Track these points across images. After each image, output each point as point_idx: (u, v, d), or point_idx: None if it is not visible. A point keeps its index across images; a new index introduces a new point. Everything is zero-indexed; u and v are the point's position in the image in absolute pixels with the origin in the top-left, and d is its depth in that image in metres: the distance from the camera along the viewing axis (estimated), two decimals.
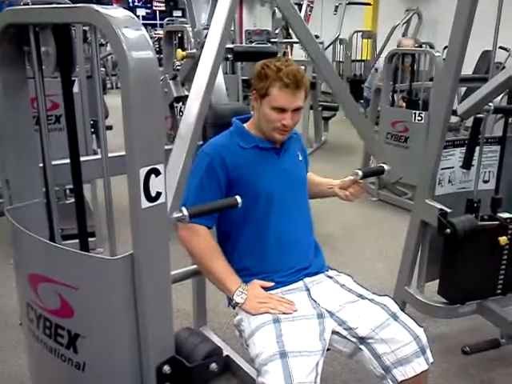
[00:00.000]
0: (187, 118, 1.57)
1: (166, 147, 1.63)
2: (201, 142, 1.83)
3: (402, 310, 1.64)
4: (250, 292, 1.62)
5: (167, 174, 1.15)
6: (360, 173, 1.77)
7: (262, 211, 1.68)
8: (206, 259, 1.66)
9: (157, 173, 1.11)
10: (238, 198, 1.43)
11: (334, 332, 1.57)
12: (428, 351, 1.55)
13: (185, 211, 1.31)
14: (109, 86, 10.77)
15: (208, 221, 1.65)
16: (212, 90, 1.70)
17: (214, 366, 1.28)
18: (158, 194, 1.13)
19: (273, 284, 1.67)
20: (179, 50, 2.24)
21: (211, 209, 1.52)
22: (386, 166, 1.83)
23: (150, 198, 1.11)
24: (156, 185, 1.12)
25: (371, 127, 1.65)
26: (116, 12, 1.06)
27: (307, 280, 1.71)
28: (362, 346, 1.56)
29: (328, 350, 1.57)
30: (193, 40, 2.34)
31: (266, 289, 1.66)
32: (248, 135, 1.72)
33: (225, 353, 2.14)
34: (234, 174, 1.65)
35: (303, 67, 6.80)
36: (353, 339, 1.57)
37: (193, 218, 1.33)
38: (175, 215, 1.28)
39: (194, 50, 2.20)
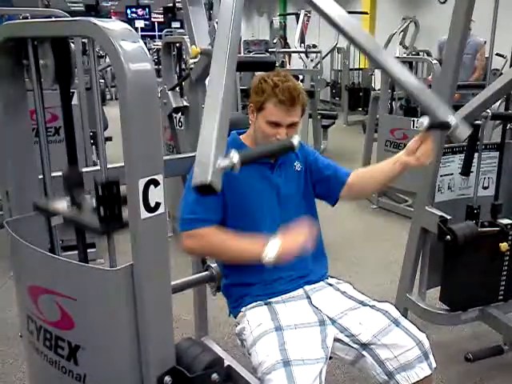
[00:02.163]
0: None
1: (165, 158, 1.64)
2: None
3: (404, 316, 1.64)
4: (281, 236, 1.51)
5: (204, 127, 1.05)
6: (425, 122, 1.49)
7: (256, 225, 1.66)
8: (221, 249, 1.61)
9: (156, 183, 1.12)
10: (295, 140, 1.27)
11: (335, 339, 1.57)
12: (431, 356, 1.55)
13: (235, 157, 1.08)
14: (108, 97, 10.82)
15: (211, 220, 1.61)
16: (233, 89, 1.53)
17: (215, 376, 1.27)
18: (158, 205, 1.13)
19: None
20: (193, 47, 2.18)
21: (265, 152, 1.36)
22: (453, 120, 1.50)
23: (149, 209, 1.11)
24: (155, 195, 1.12)
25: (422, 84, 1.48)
26: (113, 25, 1.07)
27: (307, 288, 1.71)
28: (364, 352, 1.55)
29: (330, 358, 1.57)
30: (190, 51, 2.33)
31: (268, 296, 1.65)
32: (244, 148, 1.72)
33: (226, 363, 2.13)
34: (229, 186, 1.63)
35: (301, 77, 6.84)
36: (355, 346, 1.56)
37: (244, 164, 1.12)
38: (224, 164, 1.05)
39: (209, 47, 2.16)
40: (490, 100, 2.03)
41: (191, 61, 2.24)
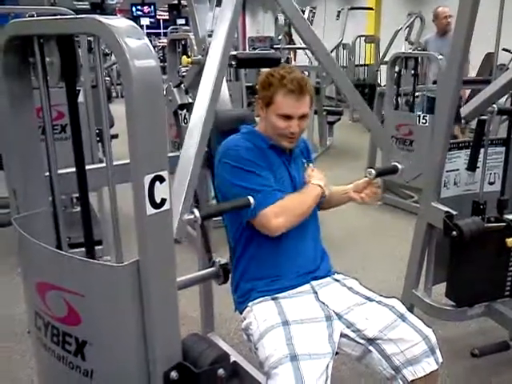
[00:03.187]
0: (194, 124, 1.57)
1: (171, 154, 1.64)
2: (206, 149, 1.83)
3: (410, 311, 1.64)
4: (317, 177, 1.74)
5: (177, 179, 1.16)
6: (373, 172, 1.74)
7: None
8: (296, 211, 1.66)
9: (161, 180, 1.12)
10: (251, 199, 1.41)
11: (342, 335, 1.58)
12: (437, 351, 1.55)
13: (196, 213, 1.27)
14: (114, 94, 10.85)
15: (273, 197, 1.62)
16: (218, 95, 1.70)
17: (221, 371, 1.28)
18: (163, 201, 1.13)
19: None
20: (184, 57, 2.24)
21: (222, 209, 1.50)
22: (399, 165, 1.78)
23: (154, 205, 1.12)
24: (161, 191, 1.12)
25: (382, 127, 1.63)
26: (118, 22, 1.07)
27: (314, 283, 1.71)
28: (370, 348, 1.56)
29: (337, 353, 1.57)
30: (196, 48, 2.35)
31: (274, 291, 1.67)
32: (261, 136, 1.72)
33: (233, 358, 2.13)
34: (274, 171, 1.68)
35: (307, 73, 6.83)
36: (361, 341, 1.57)
37: (205, 219, 1.28)
38: (186, 217, 1.25)
39: (200, 57, 2.20)
40: (495, 95, 2.02)
41: (183, 69, 2.32)
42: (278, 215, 1.60)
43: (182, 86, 2.43)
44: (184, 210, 1.21)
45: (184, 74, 2.29)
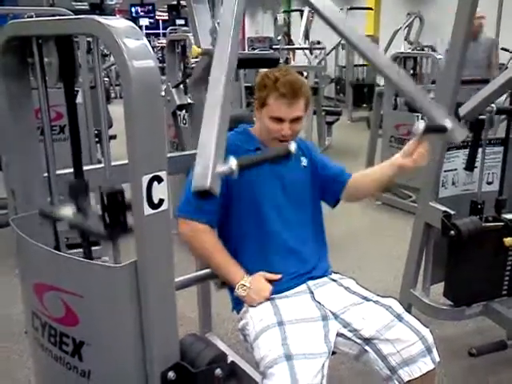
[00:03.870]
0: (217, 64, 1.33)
1: (169, 155, 1.65)
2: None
3: (408, 311, 1.65)
4: (253, 284, 1.63)
5: (203, 130, 1.07)
6: (421, 126, 1.52)
7: (260, 217, 1.69)
8: (208, 254, 1.68)
9: (159, 180, 1.12)
10: (291, 146, 1.28)
11: (338, 334, 1.58)
12: (434, 351, 1.55)
13: (233, 163, 1.10)
14: (113, 95, 10.84)
15: (209, 219, 1.66)
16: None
17: (218, 371, 1.28)
18: (161, 201, 1.14)
19: (279, 276, 1.67)
20: (194, 47, 2.17)
21: (261, 159, 1.37)
22: (448, 123, 1.49)
23: (152, 205, 1.12)
24: (159, 192, 1.13)
25: (419, 88, 1.49)
26: (117, 22, 1.07)
27: (310, 283, 1.72)
28: (367, 348, 1.56)
29: (334, 353, 1.58)
30: (193, 47, 2.32)
31: (272, 284, 1.66)
32: (253, 138, 1.73)
33: (230, 359, 2.14)
34: (241, 176, 1.66)
35: (305, 73, 6.83)
36: (358, 341, 1.57)
37: (242, 170, 1.14)
38: (221, 169, 1.07)
39: (210, 47, 2.16)
40: (494, 94, 2.02)
41: (192, 60, 2.23)
42: (188, 229, 1.66)
43: (187, 80, 2.36)
44: (217, 160, 1.03)
45: (193, 65, 2.23)
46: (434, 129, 1.54)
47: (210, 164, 1.03)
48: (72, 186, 1.33)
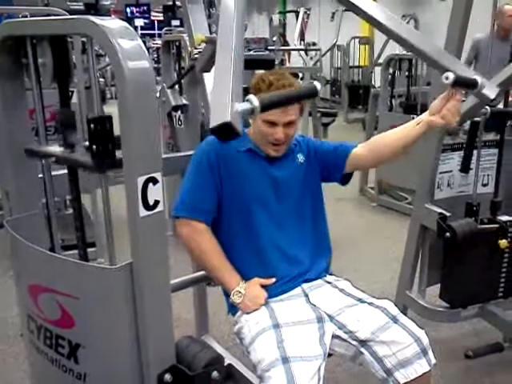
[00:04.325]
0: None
1: (165, 156, 1.64)
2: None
3: (404, 313, 1.64)
4: (248, 290, 1.63)
5: (217, 71, 1.01)
6: (451, 76, 1.38)
7: (252, 220, 1.67)
8: (204, 257, 1.67)
9: (154, 181, 1.12)
10: (318, 85, 1.22)
11: (334, 336, 1.57)
12: (430, 352, 1.55)
13: (255, 102, 1.01)
14: (108, 96, 10.82)
15: (207, 216, 1.65)
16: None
17: (215, 374, 1.28)
18: (156, 203, 1.13)
19: (273, 280, 1.67)
20: (198, 34, 2.12)
21: (285, 98, 1.26)
22: (479, 79, 1.42)
23: (147, 207, 1.12)
24: (154, 193, 1.12)
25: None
26: (111, 23, 1.07)
27: (305, 285, 1.71)
28: (362, 350, 1.56)
29: (330, 355, 1.57)
30: (189, 48, 2.31)
31: (266, 288, 1.66)
32: (246, 139, 1.72)
33: (227, 361, 2.13)
34: (226, 173, 1.66)
35: (301, 74, 6.83)
36: (353, 342, 1.57)
37: (264, 110, 1.06)
38: (243, 107, 0.98)
39: (214, 35, 2.13)
40: None
41: (195, 51, 2.17)
42: (187, 230, 1.64)
43: (196, 68, 2.29)
44: (236, 97, 0.94)
45: (196, 56, 2.17)
46: (465, 82, 1.43)
47: (229, 100, 0.93)
48: (59, 117, 1.29)
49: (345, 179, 1.83)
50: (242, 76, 1.04)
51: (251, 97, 1.00)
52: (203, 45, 2.06)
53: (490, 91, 1.43)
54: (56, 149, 1.29)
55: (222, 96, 0.95)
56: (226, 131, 0.95)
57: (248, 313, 1.61)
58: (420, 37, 1.45)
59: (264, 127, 1.63)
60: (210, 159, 1.65)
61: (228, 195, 1.67)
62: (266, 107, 1.02)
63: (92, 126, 1.15)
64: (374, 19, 1.40)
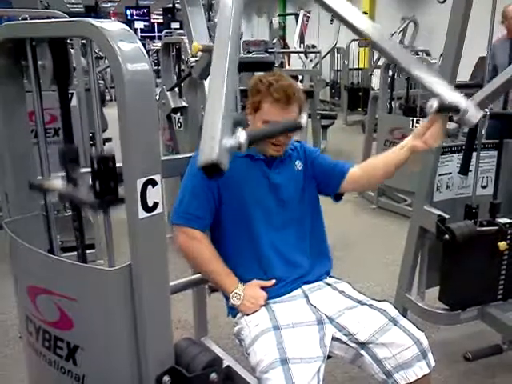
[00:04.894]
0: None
1: (164, 158, 1.64)
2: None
3: (403, 315, 1.64)
4: (247, 292, 1.63)
5: (209, 102, 1.03)
6: (435, 104, 1.46)
7: (250, 220, 1.68)
8: (202, 262, 1.67)
9: (154, 183, 1.12)
10: (302, 120, 1.27)
11: (334, 338, 1.57)
12: (429, 355, 1.55)
13: (241, 136, 1.05)
14: (108, 98, 10.79)
15: (203, 223, 1.66)
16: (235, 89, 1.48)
17: (214, 376, 1.28)
18: (155, 205, 1.13)
19: (273, 282, 1.67)
20: (195, 43, 2.16)
21: (272, 132, 1.33)
22: (463, 103, 1.45)
23: (147, 209, 1.12)
24: (153, 195, 1.12)
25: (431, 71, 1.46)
26: (111, 25, 1.07)
27: (305, 287, 1.71)
28: (362, 352, 1.56)
29: (329, 357, 1.57)
30: (189, 51, 2.32)
31: (266, 290, 1.66)
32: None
33: (226, 363, 2.13)
34: (225, 180, 1.65)
35: (300, 77, 6.85)
36: (353, 345, 1.57)
37: (251, 144, 1.10)
38: (230, 142, 1.01)
39: (211, 43, 2.15)
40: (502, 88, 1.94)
41: (192, 59, 2.21)
42: (185, 238, 1.65)
43: (183, 83, 2.34)
44: (224, 133, 0.97)
45: (193, 64, 2.21)
46: (448, 108, 1.49)
47: (217, 136, 0.96)
48: (62, 153, 1.29)
49: (339, 197, 1.86)
50: (233, 101, 1.07)
51: (239, 132, 1.02)
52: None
53: (474, 115, 1.45)
54: (59, 183, 1.30)
55: (212, 131, 0.98)
56: (213, 169, 0.98)
57: (248, 314, 1.61)
58: (398, 49, 1.47)
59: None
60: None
61: (227, 200, 1.67)
62: (252, 142, 1.06)
63: (95, 165, 1.17)
64: (357, 29, 1.41)
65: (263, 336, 1.52)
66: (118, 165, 1.16)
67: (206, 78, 2.17)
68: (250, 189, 1.68)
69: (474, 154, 2.26)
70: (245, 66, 2.50)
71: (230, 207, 1.67)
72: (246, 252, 1.69)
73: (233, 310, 1.71)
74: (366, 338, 1.54)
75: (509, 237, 2.16)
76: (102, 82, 9.05)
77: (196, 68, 2.22)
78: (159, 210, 1.15)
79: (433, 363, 1.55)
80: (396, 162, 1.73)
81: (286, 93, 1.59)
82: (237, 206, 1.67)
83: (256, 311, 1.61)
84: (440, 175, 2.32)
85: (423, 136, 1.60)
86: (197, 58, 2.17)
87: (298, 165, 1.78)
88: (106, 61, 9.43)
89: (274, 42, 8.71)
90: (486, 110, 2.10)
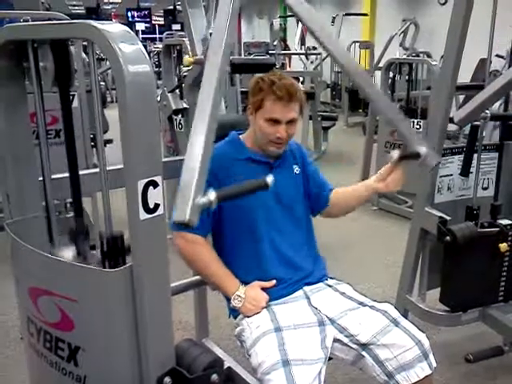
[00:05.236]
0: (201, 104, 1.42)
1: (165, 159, 1.64)
2: None
3: (404, 316, 1.64)
4: (248, 294, 1.63)
5: (185, 163, 1.11)
6: (396, 154, 1.66)
7: (252, 223, 1.68)
8: (202, 265, 1.67)
9: (155, 185, 1.12)
10: (269, 179, 1.32)
11: (335, 340, 1.58)
12: (431, 356, 1.55)
13: (212, 195, 1.15)
14: (109, 99, 10.81)
15: (202, 230, 1.65)
16: (221, 98, 1.60)
17: (215, 377, 1.28)
18: (157, 206, 1.14)
19: (274, 282, 1.67)
20: (186, 57, 2.22)
21: (240, 191, 1.41)
22: (422, 150, 1.58)
23: (148, 210, 1.12)
24: (154, 196, 1.12)
25: (399, 112, 1.58)
26: (112, 27, 1.07)
27: (307, 288, 1.71)
28: (363, 353, 1.56)
29: (330, 359, 1.57)
30: (193, 51, 2.34)
31: (268, 291, 1.66)
32: (243, 147, 1.73)
33: (227, 364, 2.13)
34: (226, 184, 1.65)
35: (301, 78, 6.85)
36: (354, 346, 1.57)
37: (221, 201, 1.20)
38: (202, 200, 1.11)
39: (201, 56, 2.19)
40: (488, 101, 2.03)
41: (184, 69, 2.29)
42: (184, 243, 1.65)
43: (183, 85, 2.41)
44: (197, 193, 1.09)
45: (185, 74, 2.27)
46: (409, 156, 1.66)
47: (191, 197, 1.08)
48: (72, 230, 1.36)
49: (315, 215, 1.90)
50: (209, 158, 1.16)
51: (209, 192, 1.14)
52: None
53: (432, 159, 1.57)
54: (69, 255, 1.34)
55: (187, 191, 1.08)
56: (185, 225, 1.09)
57: (249, 316, 1.61)
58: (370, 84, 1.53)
59: (267, 126, 1.64)
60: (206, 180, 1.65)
61: (229, 204, 1.66)
62: (221, 200, 1.20)
63: (105, 244, 1.24)
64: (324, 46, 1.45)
65: (265, 337, 1.52)
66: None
67: (196, 89, 2.22)
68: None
69: (475, 155, 2.27)
70: (245, 68, 2.51)
71: (231, 210, 1.67)
72: (247, 254, 1.69)
73: (234, 312, 1.71)
74: (367, 339, 1.54)
75: (510, 238, 2.16)
76: (103, 83, 9.07)
77: (188, 78, 2.28)
78: (160, 211, 1.15)
79: (434, 364, 1.55)
80: (358, 201, 1.87)
81: (288, 91, 1.60)
82: (239, 209, 1.67)
83: (257, 313, 1.61)
84: (441, 177, 2.32)
85: (385, 180, 1.73)
86: (189, 68, 2.23)
87: (296, 169, 1.81)
88: (108, 62, 9.45)
89: (275, 43, 8.73)
90: (488, 111, 2.10)
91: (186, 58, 2.23)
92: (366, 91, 1.48)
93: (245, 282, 1.66)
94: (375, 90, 1.53)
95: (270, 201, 1.71)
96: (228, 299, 1.69)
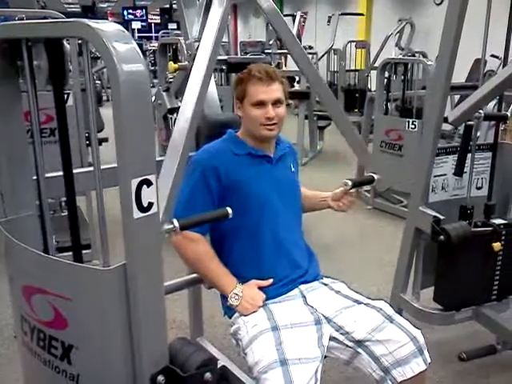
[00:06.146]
0: (179, 129, 1.58)
1: (159, 158, 1.64)
2: (193, 153, 1.84)
3: (399, 314, 1.65)
4: (245, 292, 1.63)
5: (159, 186, 1.16)
6: (349, 182, 1.81)
7: (255, 218, 1.69)
8: (199, 263, 1.68)
9: (148, 183, 1.12)
10: (229, 210, 1.44)
11: (331, 338, 1.58)
12: (425, 351, 1.56)
13: (176, 223, 1.32)
14: (104, 98, 10.77)
15: (201, 228, 1.65)
16: (203, 101, 1.72)
17: (208, 375, 1.28)
18: (150, 205, 1.14)
19: (271, 281, 1.67)
20: (171, 63, 2.26)
21: (202, 220, 1.53)
22: (375, 176, 1.88)
23: (142, 209, 1.12)
24: (148, 195, 1.12)
25: (360, 137, 1.66)
26: (106, 26, 1.07)
27: (303, 287, 1.72)
28: (359, 350, 1.57)
29: (326, 357, 1.58)
30: (186, 52, 2.35)
31: (264, 290, 1.67)
32: (241, 143, 1.74)
33: (222, 363, 2.13)
34: (227, 180, 1.67)
35: (297, 78, 6.85)
36: (350, 344, 1.58)
37: (184, 229, 1.35)
38: (166, 227, 1.28)
39: (186, 63, 2.22)
40: (482, 101, 2.04)
41: (170, 75, 2.34)
42: (182, 240, 1.65)
43: (170, 90, 2.45)
44: (164, 219, 1.23)
45: (171, 80, 2.31)
46: (362, 183, 1.94)
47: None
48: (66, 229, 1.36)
49: None
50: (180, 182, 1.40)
51: (174, 220, 1.33)
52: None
53: (382, 185, 1.79)
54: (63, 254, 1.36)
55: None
56: None
57: (246, 315, 1.61)
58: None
59: (254, 111, 1.66)
60: (204, 170, 1.66)
61: (231, 201, 1.66)
62: (184, 227, 1.36)
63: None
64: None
65: (261, 336, 1.53)
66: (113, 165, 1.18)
67: (182, 94, 2.25)
68: (256, 185, 1.70)
69: (469, 155, 2.28)
70: (242, 67, 2.51)
71: (235, 204, 1.67)
72: (247, 249, 1.70)
73: (229, 310, 1.72)
74: (362, 336, 1.55)
75: (503, 237, 2.17)
76: (98, 82, 9.04)
77: (174, 84, 2.32)
78: (154, 210, 1.15)
79: (429, 360, 1.57)
80: (315, 207, 1.98)
81: (266, 72, 1.65)
82: (241, 205, 1.66)
83: (254, 312, 1.62)
84: (435, 176, 2.33)
85: (339, 201, 1.88)
86: (174, 75, 2.28)
87: (292, 168, 1.86)
88: (103, 61, 9.42)
89: (271, 42, 8.71)
90: (481, 111, 2.11)
91: (171, 64, 2.26)
92: (332, 114, 1.59)
93: (243, 279, 1.67)
94: (340, 113, 1.68)
95: (273, 194, 1.72)
96: (224, 297, 1.69)
